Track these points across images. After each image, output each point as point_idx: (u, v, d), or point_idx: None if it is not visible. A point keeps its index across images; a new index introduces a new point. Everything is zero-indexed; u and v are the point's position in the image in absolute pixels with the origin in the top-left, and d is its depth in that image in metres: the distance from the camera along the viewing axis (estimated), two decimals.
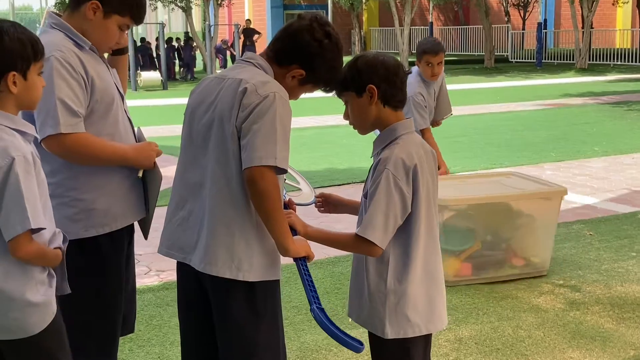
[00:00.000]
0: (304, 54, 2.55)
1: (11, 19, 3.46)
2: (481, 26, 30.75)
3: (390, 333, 2.55)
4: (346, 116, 2.66)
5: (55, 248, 2.44)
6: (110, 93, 2.92)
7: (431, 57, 5.36)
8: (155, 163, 2.99)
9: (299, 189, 3.16)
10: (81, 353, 2.80)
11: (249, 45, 27.14)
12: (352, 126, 2.67)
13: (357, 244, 2.53)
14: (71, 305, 2.68)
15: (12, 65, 2.29)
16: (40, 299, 2.35)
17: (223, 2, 26.49)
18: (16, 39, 2.29)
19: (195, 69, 27.66)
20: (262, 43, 28.78)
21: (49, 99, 2.70)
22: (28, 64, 2.32)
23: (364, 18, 38.64)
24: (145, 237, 3.15)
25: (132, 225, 3.10)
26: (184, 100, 2.87)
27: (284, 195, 2.82)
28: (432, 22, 35.92)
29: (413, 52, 36.12)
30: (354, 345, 2.44)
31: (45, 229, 2.32)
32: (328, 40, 2.56)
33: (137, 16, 2.96)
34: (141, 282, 5.02)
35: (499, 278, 5.10)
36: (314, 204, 2.97)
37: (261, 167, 2.38)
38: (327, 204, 2.92)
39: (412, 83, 5.27)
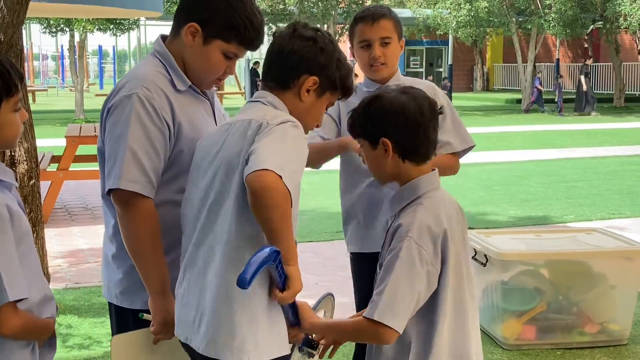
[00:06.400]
0: (306, 58, 2.18)
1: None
2: (611, 63, 29.30)
3: None
4: (364, 161, 2.21)
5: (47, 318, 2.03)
6: None
7: (366, 27, 2.93)
8: None
9: None
10: None
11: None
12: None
13: (370, 329, 2.02)
14: None
15: None
16: None
17: (340, 38, 26.26)
18: None
19: None
20: None
21: (119, 144, 2.27)
22: None
23: (487, 55, 37.69)
24: None
25: None
26: None
27: None
28: (558, 59, 34.59)
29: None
30: None
31: (26, 298, 1.88)
32: (320, 33, 2.23)
33: (248, 41, 2.38)
34: None
35: (568, 345, 4.51)
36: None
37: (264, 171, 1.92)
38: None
39: None
